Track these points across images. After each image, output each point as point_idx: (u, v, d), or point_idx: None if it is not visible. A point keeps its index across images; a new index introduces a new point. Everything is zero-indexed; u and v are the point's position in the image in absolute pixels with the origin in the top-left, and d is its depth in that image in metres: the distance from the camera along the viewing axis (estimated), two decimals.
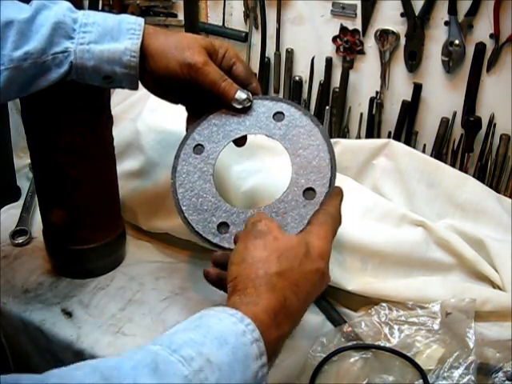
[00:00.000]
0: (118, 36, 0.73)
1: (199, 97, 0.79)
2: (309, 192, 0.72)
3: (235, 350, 0.50)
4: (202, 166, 0.76)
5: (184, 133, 0.84)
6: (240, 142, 0.80)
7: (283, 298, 0.58)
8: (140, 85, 0.78)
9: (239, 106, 0.77)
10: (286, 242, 0.63)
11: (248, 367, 0.51)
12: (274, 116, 0.77)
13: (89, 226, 0.94)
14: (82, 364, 0.46)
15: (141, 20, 0.75)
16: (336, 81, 1.25)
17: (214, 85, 0.74)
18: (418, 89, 1.17)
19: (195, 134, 0.79)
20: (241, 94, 0.76)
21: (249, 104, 0.77)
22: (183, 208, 0.74)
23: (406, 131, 1.22)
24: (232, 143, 0.79)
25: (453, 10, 1.08)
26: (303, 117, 0.76)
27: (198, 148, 0.78)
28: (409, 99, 1.19)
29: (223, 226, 0.73)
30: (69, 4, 0.74)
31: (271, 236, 0.63)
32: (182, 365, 0.47)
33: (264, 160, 0.98)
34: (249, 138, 0.89)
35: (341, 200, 0.72)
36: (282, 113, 0.77)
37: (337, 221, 0.70)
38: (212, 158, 0.77)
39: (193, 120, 0.81)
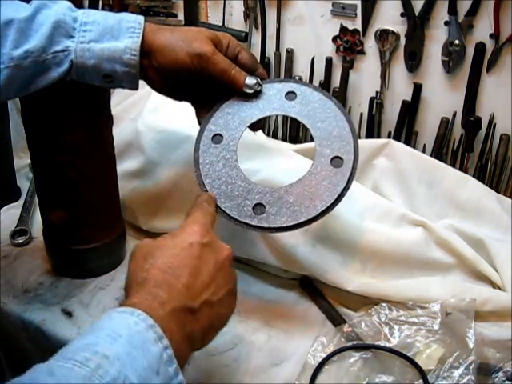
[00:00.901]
0: (118, 35, 0.73)
1: (206, 89, 0.79)
2: (336, 160, 0.74)
3: (130, 339, 0.49)
4: (224, 155, 0.77)
5: (184, 133, 0.84)
6: (256, 126, 0.81)
7: (153, 281, 0.57)
8: (140, 84, 0.78)
9: (251, 91, 0.78)
10: (150, 245, 0.63)
11: (148, 352, 0.50)
12: (285, 96, 0.80)
13: (89, 226, 0.94)
14: None
15: (141, 18, 0.75)
16: (336, 81, 1.25)
17: (224, 73, 0.76)
18: (417, 89, 1.17)
19: (210, 125, 0.80)
20: (251, 80, 0.78)
21: (259, 88, 0.79)
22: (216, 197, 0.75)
23: (406, 131, 1.22)
24: (248, 129, 0.80)
25: (453, 10, 1.07)
26: (314, 92, 0.79)
27: (217, 138, 0.79)
28: (409, 99, 1.19)
29: (259, 207, 0.74)
30: (69, 3, 0.75)
31: (138, 250, 0.63)
32: (78, 368, 0.46)
33: (264, 160, 0.98)
34: (249, 138, 0.89)
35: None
36: (293, 92, 0.80)
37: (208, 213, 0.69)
38: (233, 144, 0.78)
39: (202, 114, 0.82)
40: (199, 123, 0.82)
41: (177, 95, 0.82)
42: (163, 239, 0.63)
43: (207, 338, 0.60)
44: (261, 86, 0.79)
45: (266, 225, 0.73)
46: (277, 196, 0.73)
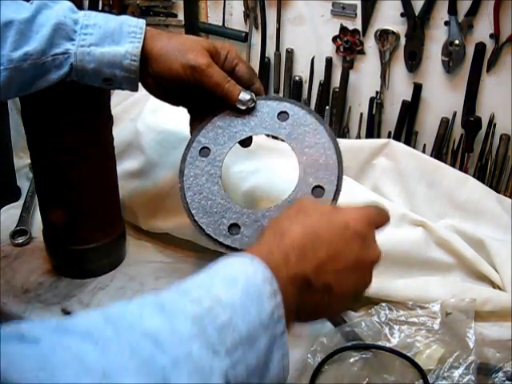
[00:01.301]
0: (119, 39, 0.73)
1: (201, 99, 0.79)
2: (317, 190, 0.72)
3: (247, 289, 0.48)
4: (209, 169, 0.76)
5: (184, 133, 0.84)
6: (246, 142, 0.80)
7: (291, 240, 0.55)
8: (140, 85, 0.78)
9: (243, 107, 0.77)
10: (310, 203, 0.61)
11: (262, 306, 0.48)
12: (278, 116, 0.78)
13: (89, 225, 0.94)
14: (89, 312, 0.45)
15: (142, 23, 0.75)
16: (336, 81, 1.25)
17: (218, 86, 0.74)
18: (417, 89, 1.17)
19: (200, 137, 0.79)
20: (244, 95, 0.76)
21: (252, 105, 0.77)
22: (193, 211, 0.74)
23: (405, 131, 1.22)
24: (238, 144, 0.79)
25: (453, 9, 1.07)
26: (307, 115, 0.77)
27: (204, 151, 0.78)
28: (409, 99, 1.19)
29: (234, 228, 0.72)
30: (70, 4, 0.74)
31: (299, 202, 0.62)
32: (190, 304, 0.45)
33: (263, 160, 0.98)
34: None
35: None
36: (286, 112, 0.78)
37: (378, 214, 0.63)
38: (219, 160, 0.77)
39: (195, 122, 0.81)
40: (191, 132, 0.81)
41: (172, 101, 0.81)
42: (326, 207, 0.62)
43: (311, 317, 0.58)
44: (254, 102, 0.78)
45: (238, 246, 0.71)
46: (253, 218, 0.72)
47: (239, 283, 0.48)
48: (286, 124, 0.77)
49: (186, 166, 0.77)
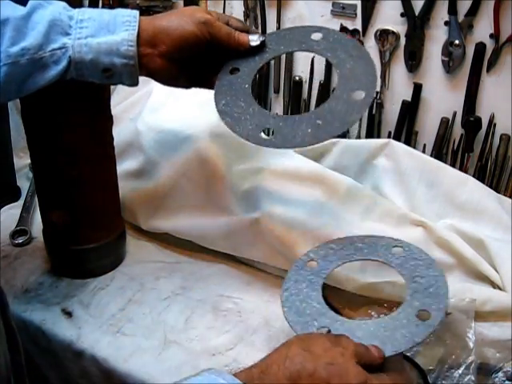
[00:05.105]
0: (114, 28, 0.74)
1: (211, 65, 0.81)
2: (423, 313, 0.70)
3: None
4: (311, 278, 0.78)
5: (184, 133, 0.84)
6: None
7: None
8: (140, 84, 0.78)
9: (257, 42, 0.81)
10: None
11: None
12: (393, 247, 0.80)
13: (89, 225, 0.94)
14: None
15: (136, 12, 0.76)
16: (336, 81, 1.25)
17: (230, 35, 0.79)
18: (417, 89, 1.17)
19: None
20: (253, 36, 0.82)
21: (263, 38, 0.82)
22: (284, 309, 0.75)
23: (405, 131, 1.22)
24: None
25: (453, 9, 1.07)
26: (420, 250, 0.79)
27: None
28: (409, 99, 1.19)
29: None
30: (64, 3, 0.76)
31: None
32: None
33: (265, 159, 0.98)
34: None
35: None
36: (401, 246, 0.80)
37: None
38: (324, 272, 0.79)
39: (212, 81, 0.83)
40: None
41: (183, 80, 0.82)
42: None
43: None
44: (264, 35, 0.83)
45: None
46: (347, 327, 0.71)
47: None
48: (399, 256, 0.79)
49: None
